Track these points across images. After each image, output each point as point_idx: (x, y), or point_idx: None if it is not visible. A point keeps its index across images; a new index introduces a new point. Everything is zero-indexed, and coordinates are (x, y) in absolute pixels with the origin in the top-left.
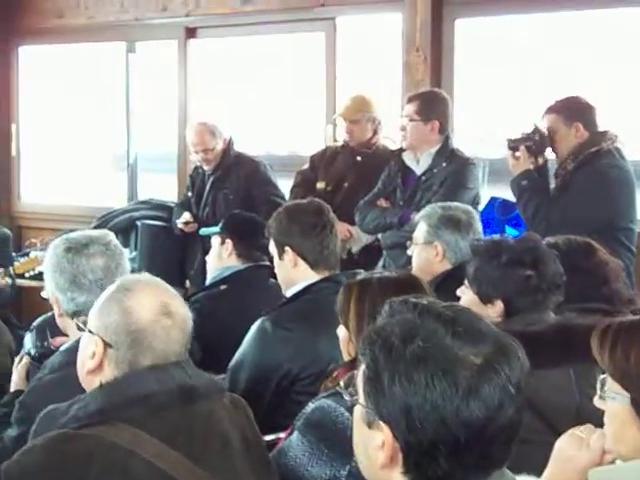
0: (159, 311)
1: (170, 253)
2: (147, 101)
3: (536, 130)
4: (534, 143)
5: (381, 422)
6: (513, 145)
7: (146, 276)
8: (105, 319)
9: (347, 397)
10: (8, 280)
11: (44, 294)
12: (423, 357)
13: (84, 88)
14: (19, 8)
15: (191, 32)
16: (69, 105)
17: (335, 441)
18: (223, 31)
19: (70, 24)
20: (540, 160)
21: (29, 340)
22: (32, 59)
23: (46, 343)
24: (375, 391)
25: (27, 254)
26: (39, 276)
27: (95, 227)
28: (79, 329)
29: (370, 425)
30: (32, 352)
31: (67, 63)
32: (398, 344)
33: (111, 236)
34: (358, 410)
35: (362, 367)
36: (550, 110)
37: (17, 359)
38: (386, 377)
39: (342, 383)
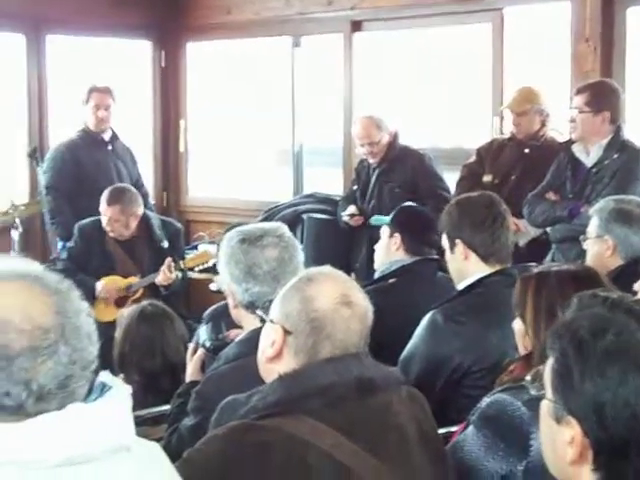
0: (339, 301)
1: (335, 246)
2: (312, 95)
3: None
4: None
5: (570, 417)
6: None
7: (328, 268)
8: (286, 307)
9: (534, 391)
10: (178, 274)
11: (212, 286)
12: (615, 352)
13: (250, 83)
14: (188, 5)
15: (357, 25)
16: (235, 100)
17: (511, 436)
18: (389, 24)
19: (237, 20)
20: None
21: (204, 332)
22: (200, 55)
23: (220, 335)
24: (564, 386)
25: (195, 247)
26: (208, 270)
27: (261, 221)
28: (261, 320)
29: (559, 420)
30: (207, 344)
31: (233, 58)
32: (588, 338)
33: (284, 228)
34: (545, 405)
35: (550, 361)
36: None
37: (190, 350)
38: (576, 372)
39: (529, 377)
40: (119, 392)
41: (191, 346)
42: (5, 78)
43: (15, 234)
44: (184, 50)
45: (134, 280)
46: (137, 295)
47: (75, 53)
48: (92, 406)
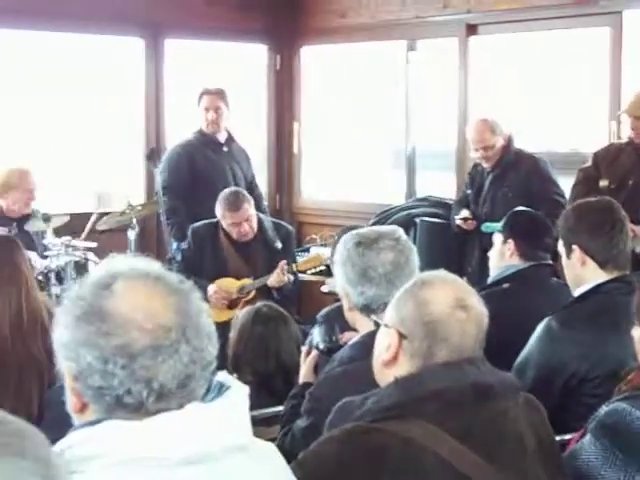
0: (454, 304)
1: (448, 250)
2: (426, 98)
3: None
4: None
5: None
6: None
7: (443, 272)
8: (401, 311)
9: None
10: (290, 277)
11: (324, 288)
12: None
13: (364, 86)
14: (304, 9)
15: (472, 29)
16: (349, 103)
17: (630, 445)
18: (504, 27)
19: (352, 23)
20: None
21: (317, 334)
22: (314, 59)
23: (334, 337)
24: None
25: (307, 250)
26: (320, 272)
27: (374, 224)
28: (375, 325)
29: None
30: (320, 346)
31: (348, 62)
32: None
33: (400, 231)
34: None
35: None
36: None
37: (304, 352)
38: None
39: None
40: (237, 392)
41: (304, 348)
42: (124, 81)
43: (132, 234)
44: (299, 54)
45: (247, 282)
46: (249, 297)
47: (192, 57)
48: (211, 406)
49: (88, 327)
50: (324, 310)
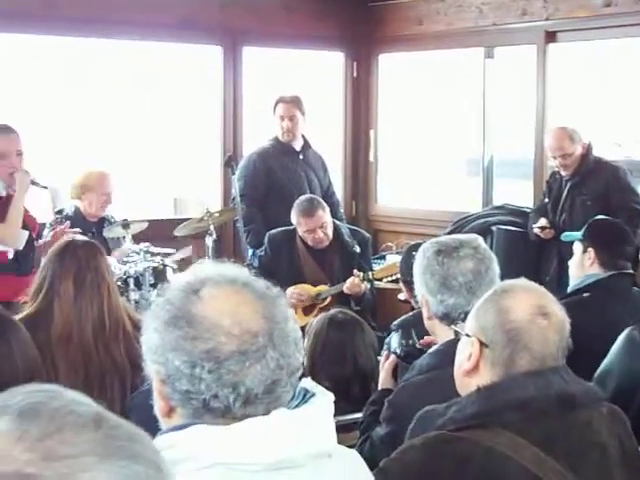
0: (535, 312)
1: (525, 259)
2: (504, 106)
3: None
4: None
5: None
6: None
7: (523, 280)
8: (481, 320)
9: None
10: (367, 284)
11: (401, 296)
12: None
13: (440, 93)
14: (381, 17)
15: (551, 36)
16: (425, 111)
17: None
18: (583, 34)
19: (429, 31)
20: None
21: (395, 339)
22: (391, 66)
23: (411, 341)
24: None
25: (383, 257)
26: (396, 280)
27: (450, 232)
28: (455, 334)
29: None
30: (398, 351)
31: (424, 69)
32: None
33: (480, 240)
34: None
35: None
36: None
37: (383, 358)
38: None
39: None
40: (322, 399)
41: (384, 353)
42: (202, 89)
43: (209, 240)
44: (376, 61)
45: (323, 288)
46: (325, 303)
47: (269, 64)
48: (297, 412)
49: (176, 331)
50: (400, 318)
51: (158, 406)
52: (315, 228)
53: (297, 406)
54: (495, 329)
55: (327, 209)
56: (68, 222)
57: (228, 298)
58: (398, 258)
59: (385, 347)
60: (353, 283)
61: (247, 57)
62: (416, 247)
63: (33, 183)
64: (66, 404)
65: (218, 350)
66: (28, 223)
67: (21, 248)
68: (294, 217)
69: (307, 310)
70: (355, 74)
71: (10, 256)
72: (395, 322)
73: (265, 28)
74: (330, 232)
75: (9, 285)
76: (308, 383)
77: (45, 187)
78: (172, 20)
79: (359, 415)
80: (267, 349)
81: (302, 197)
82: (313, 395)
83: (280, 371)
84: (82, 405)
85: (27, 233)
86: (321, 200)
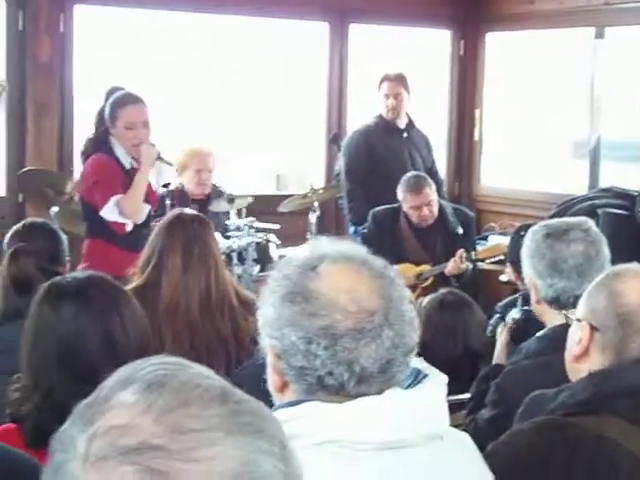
0: None
1: (632, 243)
2: (612, 88)
3: None
4: None
5: None
6: None
7: (635, 264)
8: (592, 303)
9: None
10: (469, 264)
11: (503, 277)
12: None
13: (548, 74)
14: None
15: None
16: (532, 91)
17: None
18: None
19: (540, 9)
20: None
21: (515, 312)
22: (498, 45)
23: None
24: None
25: (485, 238)
26: (499, 261)
27: (554, 214)
28: (566, 318)
29: None
30: (518, 315)
31: (532, 49)
32: None
33: (590, 223)
34: None
35: None
36: None
37: (499, 330)
38: None
39: None
40: (435, 380)
41: (501, 326)
42: (307, 65)
43: (312, 217)
44: (483, 40)
45: (425, 268)
46: (427, 283)
47: (374, 41)
48: (410, 392)
49: (293, 307)
50: (504, 301)
51: (272, 381)
52: (421, 205)
53: (409, 386)
54: (606, 313)
55: (434, 187)
56: None
57: (345, 275)
58: (501, 239)
59: (493, 324)
60: (455, 265)
61: (353, 34)
62: (525, 228)
63: (159, 158)
64: (192, 378)
65: (334, 327)
66: (150, 198)
67: (140, 222)
68: (400, 193)
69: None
70: (462, 52)
71: (128, 229)
72: (500, 304)
73: (372, 5)
74: (435, 210)
75: (120, 259)
76: (420, 363)
77: (171, 164)
78: None
79: (467, 395)
80: (383, 328)
81: (410, 173)
82: (426, 376)
83: (395, 350)
84: (208, 379)
85: (148, 208)
86: (428, 177)
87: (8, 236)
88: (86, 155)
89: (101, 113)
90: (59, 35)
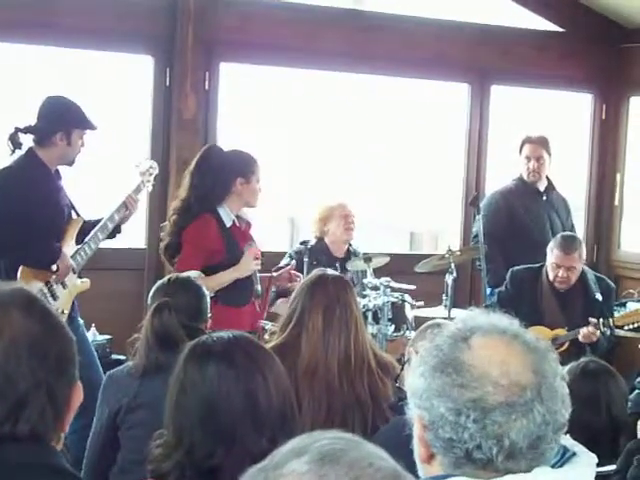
0: None
1: None
2: None
3: None
4: None
5: None
6: None
7: None
8: None
9: None
10: (607, 331)
11: None
12: None
13: None
14: (634, 59)
15: None
16: None
17: None
18: None
19: None
20: None
21: None
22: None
23: None
24: None
25: (624, 304)
26: (638, 329)
27: None
28: None
29: None
30: None
31: None
32: None
33: None
34: None
35: None
36: None
37: None
38: None
39: None
40: (585, 460)
41: None
42: (446, 124)
43: (449, 279)
44: (627, 104)
45: (561, 332)
46: (562, 349)
47: (514, 103)
48: (560, 472)
49: (443, 378)
50: None
51: (418, 452)
52: (563, 266)
53: (556, 464)
54: None
55: (584, 256)
56: (293, 262)
57: (498, 348)
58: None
59: (632, 400)
60: (587, 333)
61: (494, 95)
62: None
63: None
64: (366, 456)
65: (485, 400)
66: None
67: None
68: (550, 246)
69: None
70: (604, 116)
71: None
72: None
73: (514, 67)
74: (574, 279)
75: (228, 316)
76: (567, 440)
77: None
78: (417, 55)
79: (606, 469)
80: (534, 403)
81: (568, 232)
82: (574, 454)
83: (546, 427)
84: (381, 460)
85: None
86: (583, 245)
87: (153, 290)
88: None
89: None
90: (204, 92)
